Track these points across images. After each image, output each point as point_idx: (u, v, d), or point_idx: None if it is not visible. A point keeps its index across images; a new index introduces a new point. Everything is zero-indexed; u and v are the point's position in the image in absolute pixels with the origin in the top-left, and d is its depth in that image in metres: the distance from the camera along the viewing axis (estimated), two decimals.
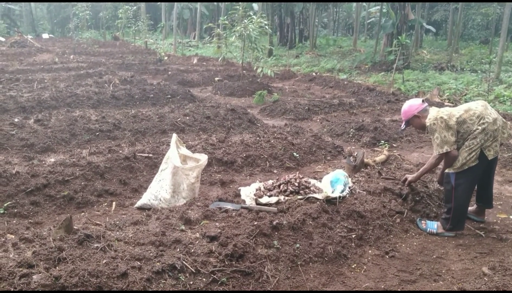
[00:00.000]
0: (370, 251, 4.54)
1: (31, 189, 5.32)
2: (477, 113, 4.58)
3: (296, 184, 4.91)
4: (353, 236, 4.59)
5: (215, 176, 6.57)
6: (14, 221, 4.97)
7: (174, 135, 5.40)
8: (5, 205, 5.09)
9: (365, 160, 6.96)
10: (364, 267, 4.28)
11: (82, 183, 5.68)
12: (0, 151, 6.96)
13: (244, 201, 4.80)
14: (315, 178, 5.70)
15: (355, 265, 4.30)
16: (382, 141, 8.33)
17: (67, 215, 3.95)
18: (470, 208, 5.18)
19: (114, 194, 5.74)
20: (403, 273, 4.22)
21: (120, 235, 3.98)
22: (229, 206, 4.59)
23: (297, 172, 5.27)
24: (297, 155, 7.36)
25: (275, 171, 6.96)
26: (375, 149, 8.13)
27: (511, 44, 25.44)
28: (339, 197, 4.92)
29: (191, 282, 3.59)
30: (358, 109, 11.37)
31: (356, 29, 27.94)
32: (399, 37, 14.44)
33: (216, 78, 14.93)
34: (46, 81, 13.78)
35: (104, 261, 3.50)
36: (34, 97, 10.29)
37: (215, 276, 3.68)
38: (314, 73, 17.81)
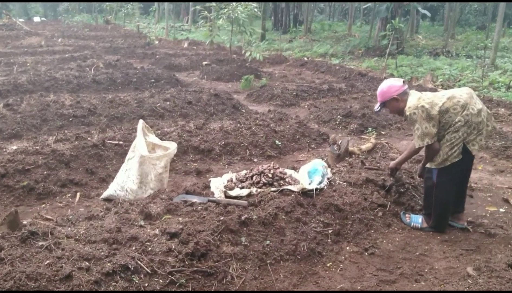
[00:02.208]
0: (348, 248, 4.20)
1: None
2: (462, 102, 4.13)
3: (270, 175, 4.56)
4: (330, 231, 4.25)
5: (190, 165, 6.22)
6: None
7: (141, 122, 5.02)
8: None
9: (350, 148, 6.61)
10: (341, 265, 3.96)
11: (45, 172, 5.31)
12: None
13: (213, 194, 4.45)
14: (294, 168, 5.35)
15: (330, 263, 3.96)
16: (370, 129, 7.97)
17: (12, 210, 3.59)
18: None
19: (80, 184, 5.38)
20: (382, 272, 3.89)
21: (71, 232, 3.62)
22: (195, 199, 4.24)
23: (272, 162, 4.91)
24: (280, 143, 7.00)
25: (255, 160, 6.61)
26: (363, 136, 7.79)
27: (508, 30, 25.01)
28: (316, 189, 4.57)
29: (146, 284, 3.26)
30: (348, 95, 10.98)
31: (351, 14, 27.38)
32: (393, 21, 13.99)
33: (204, 63, 14.51)
34: (28, 64, 13.35)
35: (47, 261, 3.15)
36: (10, 80, 9.88)
37: (173, 277, 3.34)
38: (306, 58, 17.37)
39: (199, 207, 4.10)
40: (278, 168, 4.79)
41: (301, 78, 13.80)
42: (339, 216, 4.43)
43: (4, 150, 5.67)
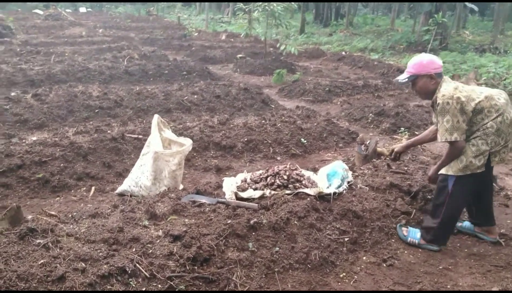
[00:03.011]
0: (364, 258, 3.93)
1: (3, 169, 4.93)
2: (498, 106, 3.68)
3: (285, 177, 4.32)
4: (346, 239, 3.99)
5: (210, 161, 6.05)
6: None
7: (156, 117, 4.89)
8: None
9: (379, 149, 6.27)
10: (355, 277, 3.69)
11: (61, 165, 5.26)
12: None
13: (225, 194, 4.26)
14: (315, 169, 5.10)
15: (344, 274, 3.71)
16: (403, 129, 7.59)
17: (13, 205, 3.51)
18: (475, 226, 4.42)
19: (96, 178, 5.31)
20: (400, 286, 3.61)
21: (73, 230, 3.51)
22: (204, 200, 4.05)
23: (289, 163, 4.67)
24: (305, 141, 6.74)
25: (278, 158, 6.38)
26: (395, 136, 7.42)
27: None
28: (334, 193, 4.31)
29: (144, 288, 3.10)
30: (384, 92, 10.57)
31: (394, 8, 26.54)
32: (435, 15, 13.39)
33: (239, 56, 14.31)
34: (66, 54, 13.53)
35: (42, 261, 3.04)
36: (44, 70, 9.99)
37: (172, 283, 3.17)
38: (343, 53, 16.91)
39: (207, 209, 3.92)
40: (296, 169, 4.54)
41: (337, 73, 13.42)
42: (357, 223, 4.15)
43: (24, 140, 5.66)
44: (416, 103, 9.23)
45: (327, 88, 10.24)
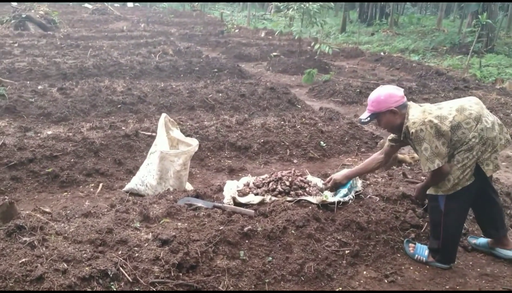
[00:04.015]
0: (365, 272, 3.72)
1: (14, 162, 5.00)
2: (474, 114, 3.42)
3: (288, 183, 4.16)
4: (347, 251, 3.79)
5: (224, 161, 5.95)
6: None
7: (163, 116, 4.82)
8: None
9: (401, 156, 6.03)
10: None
11: (72, 160, 5.29)
12: (16, 119, 6.78)
13: (224, 198, 4.14)
14: (326, 175, 4.90)
15: (340, 288, 3.52)
16: None
17: (6, 200, 3.51)
18: (489, 240, 4.11)
19: (105, 175, 5.31)
20: None
21: (63, 228, 3.48)
22: (200, 203, 3.95)
23: (293, 168, 4.50)
24: (324, 144, 6.54)
25: (295, 161, 6.22)
26: None
27: None
28: (339, 202, 4.11)
29: None
30: (418, 96, 10.15)
31: (441, 7, 25.62)
32: (480, 16, 12.80)
33: (273, 54, 14.16)
34: (104, 48, 13.76)
35: (23, 260, 3.01)
36: (77, 64, 10.17)
37: (154, 289, 3.09)
38: (382, 53, 16.45)
39: (202, 213, 3.81)
40: (301, 175, 4.37)
41: (373, 74, 13.05)
42: (361, 235, 3.94)
43: (39, 134, 5.73)
44: None
45: (358, 90, 9.95)
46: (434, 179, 3.58)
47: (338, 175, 4.24)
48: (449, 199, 3.57)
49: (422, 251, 3.92)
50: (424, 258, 3.89)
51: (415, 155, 6.18)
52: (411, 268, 3.85)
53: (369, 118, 3.69)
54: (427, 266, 3.88)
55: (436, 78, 11.88)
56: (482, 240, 4.14)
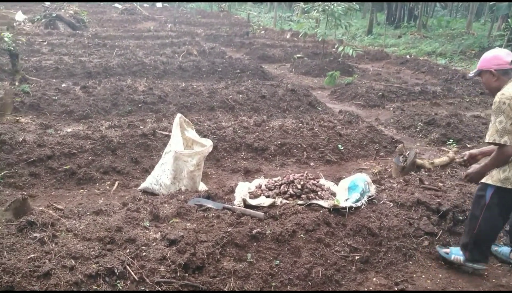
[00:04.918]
0: (374, 279, 3.67)
1: (33, 159, 5.10)
2: None
3: (299, 186, 4.12)
4: (356, 257, 3.74)
5: (240, 163, 5.96)
6: (7, 192, 4.77)
7: (178, 116, 4.85)
8: (2, 173, 4.91)
9: (420, 161, 5.92)
10: None
11: (89, 158, 5.37)
12: (39, 116, 6.93)
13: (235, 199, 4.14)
14: (339, 179, 4.85)
15: None
16: (451, 140, 7.10)
17: (19, 196, 3.59)
18: None
19: (122, 173, 5.37)
20: None
21: (73, 225, 3.53)
22: (210, 204, 3.95)
23: (308, 171, 4.47)
24: (342, 148, 6.48)
25: (312, 164, 6.17)
26: (442, 148, 6.96)
27: None
28: (351, 207, 4.06)
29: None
30: (443, 100, 9.99)
31: (471, 10, 25.06)
32: (510, 20, 12.49)
33: (296, 55, 14.10)
34: (130, 48, 13.94)
35: (32, 255, 3.07)
36: (101, 63, 10.33)
37: (160, 288, 3.10)
38: (408, 56, 16.22)
39: (212, 214, 3.81)
40: (313, 178, 4.33)
41: (397, 77, 12.87)
42: (372, 241, 3.89)
43: (59, 131, 5.83)
44: (473, 113, 8.65)
45: (380, 93, 9.83)
46: (495, 157, 3.48)
47: (475, 150, 4.14)
48: (496, 193, 3.50)
49: (457, 251, 3.85)
50: (461, 258, 3.81)
51: (435, 160, 6.08)
52: (423, 276, 3.78)
53: (474, 74, 3.71)
54: (440, 276, 3.80)
55: (462, 83, 11.64)
56: (504, 249, 4.04)
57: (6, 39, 7.96)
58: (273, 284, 3.39)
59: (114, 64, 10.36)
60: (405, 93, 10.04)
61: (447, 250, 3.90)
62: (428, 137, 7.42)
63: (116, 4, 32.18)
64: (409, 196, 4.48)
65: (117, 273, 3.09)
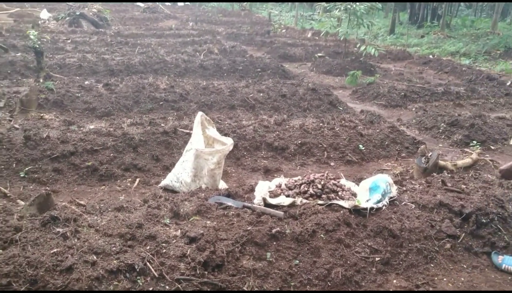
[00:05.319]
0: (395, 281, 3.63)
1: (56, 155, 5.18)
2: None
3: (320, 186, 4.10)
4: (377, 259, 3.70)
5: (260, 161, 5.95)
6: (31, 187, 4.85)
7: (200, 114, 4.86)
8: (26, 169, 5.00)
9: (443, 163, 5.85)
10: None
11: (111, 155, 5.42)
12: (62, 112, 7.03)
13: (255, 198, 4.14)
14: (360, 180, 4.81)
15: None
16: (475, 142, 6.99)
17: (43, 192, 3.64)
18: None
19: (143, 170, 5.41)
20: None
21: (95, 221, 3.57)
22: (230, 203, 3.96)
23: (328, 171, 4.44)
24: (363, 148, 6.42)
25: (332, 164, 6.14)
26: (466, 150, 6.85)
27: None
28: (372, 208, 4.02)
29: (151, 288, 3.07)
30: (466, 101, 9.84)
31: (497, 9, 24.58)
32: None
33: (318, 54, 14.03)
34: (152, 46, 14.04)
35: (55, 250, 3.11)
36: (124, 61, 10.43)
37: (179, 286, 3.11)
38: (431, 56, 16.01)
39: (232, 212, 3.82)
40: (334, 178, 4.31)
41: (420, 77, 12.71)
42: (392, 243, 3.85)
43: (82, 128, 5.90)
44: (498, 115, 8.50)
45: (403, 93, 9.73)
46: None
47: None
48: None
49: (509, 261, 3.80)
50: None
51: (458, 162, 6.00)
52: (445, 279, 3.73)
53: None
54: (462, 279, 3.75)
55: (486, 83, 11.44)
56: None
57: (31, 37, 8.10)
58: (292, 283, 3.38)
59: (136, 62, 10.45)
60: (427, 93, 9.91)
61: (500, 258, 3.86)
62: (451, 138, 7.32)
63: (138, 3, 32.47)
64: (431, 197, 4.42)
65: (138, 269, 3.11)
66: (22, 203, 4.35)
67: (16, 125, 5.75)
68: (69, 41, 13.57)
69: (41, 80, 8.19)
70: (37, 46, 8.18)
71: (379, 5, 12.49)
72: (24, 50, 10.98)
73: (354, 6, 11.93)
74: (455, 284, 3.68)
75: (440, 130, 7.55)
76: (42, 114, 6.65)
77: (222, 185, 5.04)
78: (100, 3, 21.88)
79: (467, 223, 4.21)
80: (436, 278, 3.72)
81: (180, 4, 41.43)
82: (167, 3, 35.53)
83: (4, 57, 9.92)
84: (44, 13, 19.11)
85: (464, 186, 4.83)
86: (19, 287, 2.79)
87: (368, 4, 12.29)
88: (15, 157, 5.13)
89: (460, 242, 4.06)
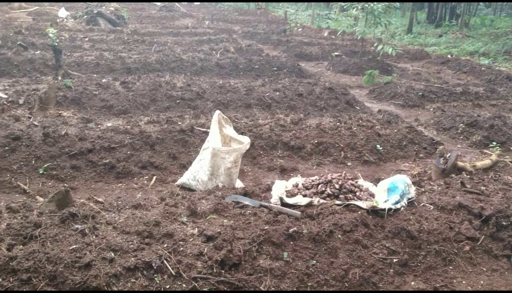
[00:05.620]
0: (413, 283, 3.59)
1: (74, 152, 5.23)
2: None
3: (337, 186, 4.08)
4: (395, 260, 3.67)
5: (276, 161, 5.94)
6: (50, 183, 4.91)
7: (217, 113, 4.87)
8: (45, 165, 5.05)
9: (461, 164, 5.77)
10: None
11: (128, 152, 5.46)
12: (80, 110, 7.09)
13: (272, 198, 4.13)
14: (377, 180, 4.77)
15: None
16: (495, 143, 6.88)
17: (62, 188, 3.67)
18: None
19: (160, 168, 5.43)
20: None
21: (113, 218, 3.59)
22: (247, 202, 3.96)
23: (346, 171, 4.41)
24: (381, 148, 6.37)
25: (349, 164, 6.10)
26: (485, 151, 6.76)
27: None
28: (390, 209, 3.98)
29: (168, 286, 3.08)
30: (486, 101, 9.70)
31: None
32: None
33: (334, 53, 13.95)
34: (168, 44, 14.10)
35: (73, 246, 3.14)
36: (140, 59, 10.49)
37: (196, 284, 3.11)
38: (449, 56, 15.82)
39: (249, 211, 3.81)
40: (351, 178, 4.28)
41: (438, 77, 12.57)
42: (411, 244, 3.81)
43: (99, 126, 5.94)
44: None
45: (420, 93, 9.63)
46: None
47: None
48: None
49: None
50: None
51: (477, 163, 5.92)
52: (464, 282, 3.68)
53: None
54: (481, 282, 3.70)
55: (506, 84, 11.27)
56: None
57: (50, 35, 8.18)
58: (309, 284, 3.36)
59: (153, 60, 10.50)
60: (446, 93, 9.80)
61: None
62: (469, 139, 7.22)
63: (156, 2, 32.65)
64: (450, 199, 4.37)
65: (155, 267, 3.12)
66: (41, 199, 4.40)
67: (35, 122, 5.81)
68: (86, 39, 13.69)
69: (59, 78, 8.27)
70: (56, 44, 8.26)
71: (397, 4, 12.37)
72: (43, 48, 11.10)
73: (372, 5, 11.84)
74: (474, 287, 3.64)
75: (459, 131, 7.46)
76: (60, 112, 6.72)
77: (239, 183, 5.04)
78: (117, 2, 22.05)
79: (486, 225, 4.16)
80: (455, 281, 3.67)
81: (196, 3, 41.57)
82: (183, 2, 35.70)
83: (23, 55, 10.04)
84: (62, 12, 19.31)
85: (484, 188, 4.77)
86: (38, 282, 2.82)
87: (386, 3, 12.18)
88: (34, 153, 5.19)
89: (480, 244, 4.01)
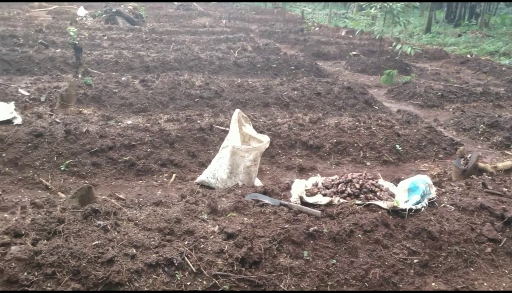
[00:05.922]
0: (433, 284, 3.57)
1: (95, 149, 5.29)
2: None
3: (358, 186, 4.07)
4: (415, 260, 3.65)
5: (295, 160, 5.93)
6: (71, 180, 4.98)
7: (237, 111, 4.89)
8: (67, 162, 5.12)
9: (482, 165, 5.71)
10: None
11: (148, 150, 5.50)
12: (100, 107, 7.16)
13: (292, 196, 4.13)
14: (397, 180, 4.75)
15: None
16: None
17: (84, 185, 3.72)
18: None
19: (179, 166, 5.47)
20: None
21: (134, 215, 3.63)
22: (267, 200, 3.96)
23: (365, 171, 4.39)
24: (400, 148, 6.33)
25: (368, 163, 6.07)
26: (506, 152, 6.68)
27: None
28: (411, 209, 3.96)
29: (188, 283, 3.10)
30: (506, 102, 9.58)
31: None
32: None
33: (352, 53, 13.88)
34: (186, 43, 14.17)
35: (96, 242, 3.18)
36: (159, 58, 10.56)
37: (217, 281, 3.13)
38: (469, 56, 15.63)
39: (268, 210, 3.82)
40: (372, 178, 4.26)
41: (457, 77, 12.43)
42: (431, 245, 3.78)
43: (120, 123, 6.00)
44: None
45: (440, 93, 9.54)
46: None
47: None
48: None
49: None
50: None
51: (498, 164, 5.84)
52: (485, 284, 3.64)
53: None
54: (503, 284, 3.66)
55: None
56: None
57: (71, 33, 8.28)
58: (329, 283, 3.35)
59: (171, 59, 10.56)
60: (465, 94, 9.69)
61: None
62: (490, 140, 7.14)
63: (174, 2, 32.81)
64: (472, 200, 4.33)
65: (176, 264, 3.14)
66: (63, 195, 4.47)
67: (57, 120, 5.89)
68: (105, 38, 13.82)
69: (79, 76, 8.37)
70: (77, 42, 8.36)
71: (416, 3, 12.26)
72: (63, 47, 11.24)
73: (391, 4, 11.75)
74: (496, 289, 3.60)
75: (479, 132, 7.38)
76: (81, 109, 6.80)
77: (258, 182, 5.05)
78: (135, 1, 22.22)
79: (509, 227, 4.11)
80: (476, 283, 3.64)
81: (213, 2, 41.66)
82: (200, 2, 35.82)
83: (44, 53, 10.18)
84: (81, 10, 19.51)
85: (506, 189, 4.72)
86: (62, 277, 2.86)
87: (405, 2, 12.09)
88: (56, 150, 5.26)
89: (502, 246, 3.97)
